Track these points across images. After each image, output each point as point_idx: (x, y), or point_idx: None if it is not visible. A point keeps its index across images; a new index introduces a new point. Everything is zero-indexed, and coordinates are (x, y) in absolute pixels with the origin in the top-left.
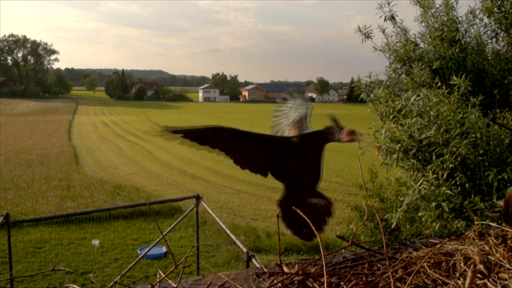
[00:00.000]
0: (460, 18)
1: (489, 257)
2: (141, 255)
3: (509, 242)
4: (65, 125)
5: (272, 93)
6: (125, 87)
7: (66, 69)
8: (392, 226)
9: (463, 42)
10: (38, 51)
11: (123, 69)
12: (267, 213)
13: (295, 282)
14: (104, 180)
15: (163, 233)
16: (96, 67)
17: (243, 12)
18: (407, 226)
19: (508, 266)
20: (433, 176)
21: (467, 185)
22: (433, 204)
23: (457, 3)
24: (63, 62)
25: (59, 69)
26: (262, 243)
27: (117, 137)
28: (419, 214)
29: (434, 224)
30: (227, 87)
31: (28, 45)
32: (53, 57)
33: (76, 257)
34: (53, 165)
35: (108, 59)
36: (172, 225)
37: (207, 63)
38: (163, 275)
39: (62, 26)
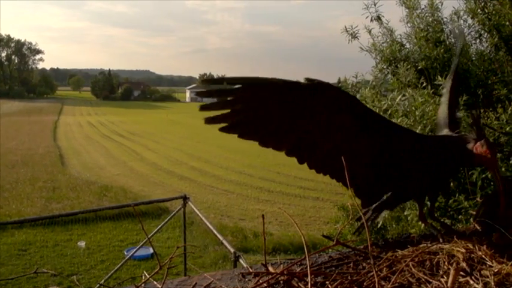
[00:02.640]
0: (444, 19)
1: (472, 255)
2: (127, 257)
3: (492, 239)
4: (50, 125)
5: None
6: (111, 88)
7: (52, 69)
8: (379, 225)
9: (447, 42)
10: (22, 50)
11: (109, 69)
12: (254, 213)
13: (281, 282)
14: (90, 181)
15: (150, 235)
16: (82, 67)
17: (230, 12)
18: (394, 225)
19: (490, 263)
20: None
21: (452, 184)
22: None
23: (442, 5)
24: (48, 61)
25: (43, 69)
26: (250, 243)
27: (104, 137)
28: (405, 213)
29: (419, 223)
30: (214, 88)
31: (12, 45)
32: (37, 57)
33: (62, 259)
34: (38, 166)
35: (94, 59)
36: (159, 226)
37: (194, 63)
38: (148, 276)
39: (47, 25)
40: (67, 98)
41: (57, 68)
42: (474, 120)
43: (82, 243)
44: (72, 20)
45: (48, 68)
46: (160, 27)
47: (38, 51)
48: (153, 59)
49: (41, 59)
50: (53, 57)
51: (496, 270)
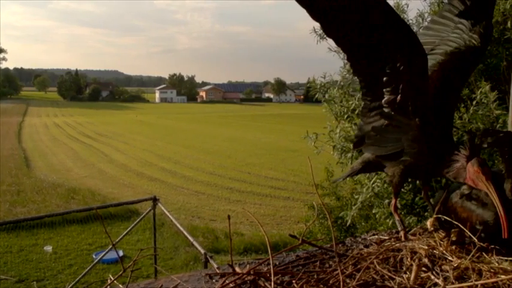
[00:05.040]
0: (410, 21)
1: (434, 251)
2: (96, 260)
3: (452, 236)
4: (14, 127)
5: (230, 93)
6: (78, 88)
7: (15, 69)
8: (348, 223)
9: None
10: None
11: (76, 69)
12: (225, 213)
13: (247, 282)
14: (57, 184)
15: (118, 238)
16: (48, 67)
17: (200, 12)
18: (363, 223)
19: (450, 258)
20: None
21: (417, 182)
22: (386, 201)
23: (407, 6)
24: (11, 61)
25: (7, 69)
26: (221, 243)
27: (71, 139)
28: (374, 211)
29: (387, 220)
30: (184, 88)
31: None
32: (0, 56)
33: (27, 264)
34: (2, 169)
35: (60, 58)
36: (128, 228)
37: (164, 64)
38: (112, 279)
39: (9, 23)
40: (32, 99)
41: (21, 68)
42: (469, 139)
43: (48, 248)
44: (37, 19)
45: (11, 67)
46: (129, 27)
47: (1, 50)
48: (121, 59)
49: (3, 59)
50: (17, 56)
51: (455, 265)
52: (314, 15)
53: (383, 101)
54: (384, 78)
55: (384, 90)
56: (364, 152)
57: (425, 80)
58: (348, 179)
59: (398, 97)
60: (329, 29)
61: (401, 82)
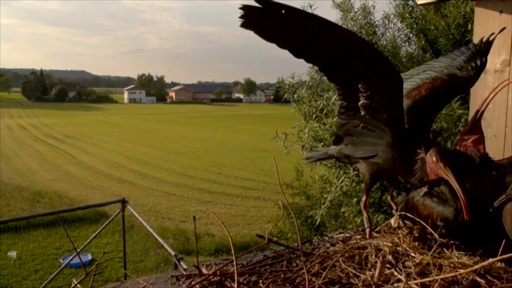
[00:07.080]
0: (377, 22)
1: (397, 247)
2: (63, 265)
3: (414, 232)
4: None
5: (199, 93)
6: (44, 88)
7: None
8: (317, 222)
9: (380, 44)
10: None
11: (41, 69)
12: (196, 214)
13: (214, 282)
14: (22, 187)
15: (86, 241)
16: (11, 66)
17: (169, 12)
18: (332, 222)
19: (412, 254)
20: (354, 172)
21: (385, 181)
22: (354, 199)
23: (374, 8)
24: None
25: None
26: (192, 245)
27: (36, 140)
28: (342, 210)
29: (356, 218)
30: (153, 88)
31: None
32: None
33: None
34: None
35: (24, 58)
36: (97, 231)
37: (132, 64)
38: (76, 282)
39: None
40: None
41: None
42: (424, 137)
43: (13, 253)
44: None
45: None
46: (96, 26)
47: None
48: (89, 58)
49: None
50: None
51: (417, 261)
52: (282, 47)
53: (359, 103)
54: (359, 85)
55: (360, 94)
56: (343, 151)
57: (399, 92)
58: (317, 178)
59: (373, 104)
60: (298, 55)
61: (376, 91)
